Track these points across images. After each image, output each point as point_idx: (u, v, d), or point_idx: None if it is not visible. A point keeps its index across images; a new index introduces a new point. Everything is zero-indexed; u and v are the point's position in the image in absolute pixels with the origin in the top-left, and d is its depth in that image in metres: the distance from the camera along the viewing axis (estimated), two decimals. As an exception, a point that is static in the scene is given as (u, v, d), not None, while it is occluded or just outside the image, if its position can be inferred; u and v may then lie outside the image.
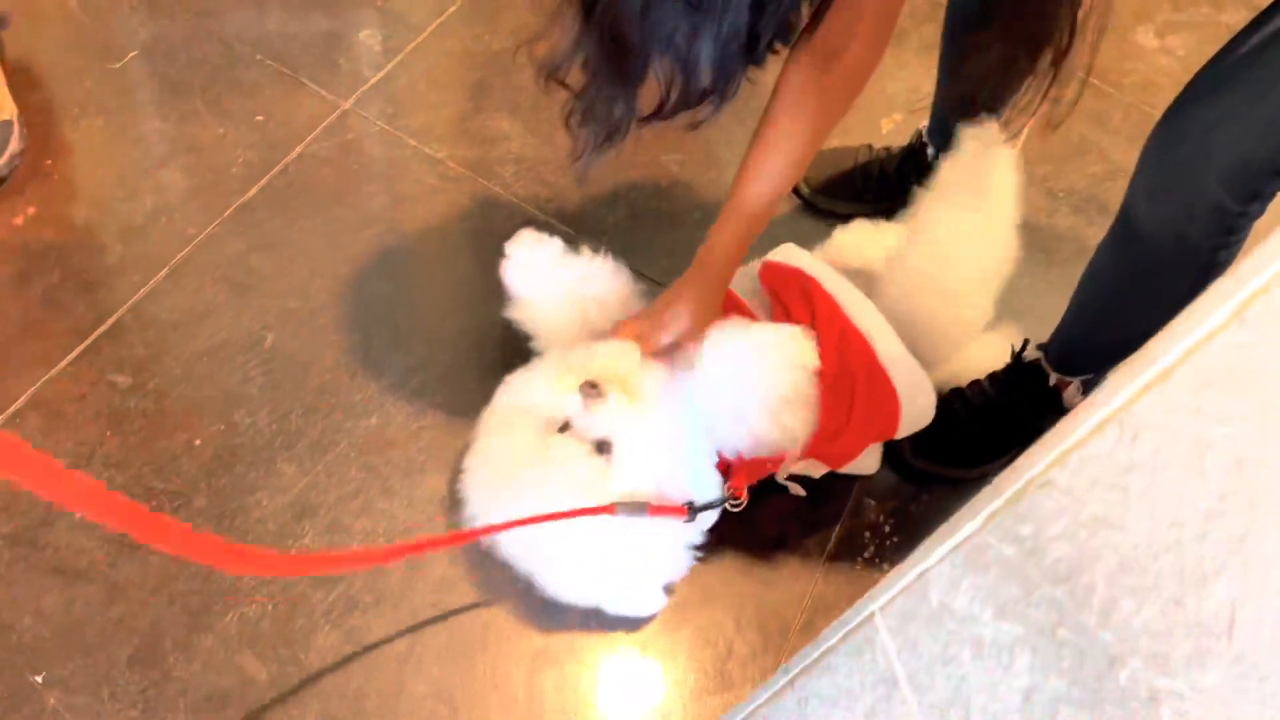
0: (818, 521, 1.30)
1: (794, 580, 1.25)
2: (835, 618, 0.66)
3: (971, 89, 1.29)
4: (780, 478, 1.24)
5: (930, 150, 1.49)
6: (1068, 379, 1.26)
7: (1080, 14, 1.05)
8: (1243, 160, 0.90)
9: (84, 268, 1.40)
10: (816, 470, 1.26)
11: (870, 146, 1.58)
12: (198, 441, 1.28)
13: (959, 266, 1.24)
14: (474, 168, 1.58)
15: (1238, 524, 0.38)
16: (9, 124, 1.47)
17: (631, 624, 1.20)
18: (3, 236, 1.42)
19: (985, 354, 1.37)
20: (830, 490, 1.30)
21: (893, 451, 1.33)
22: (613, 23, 0.85)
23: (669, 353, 1.16)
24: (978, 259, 1.25)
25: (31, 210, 1.45)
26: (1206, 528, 0.39)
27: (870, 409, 1.19)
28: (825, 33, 0.97)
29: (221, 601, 1.17)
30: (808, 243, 1.33)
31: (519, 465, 1.09)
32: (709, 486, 1.13)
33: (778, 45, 0.94)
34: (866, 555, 1.28)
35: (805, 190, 1.58)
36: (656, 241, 1.52)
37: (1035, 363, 1.29)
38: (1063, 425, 0.44)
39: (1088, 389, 1.26)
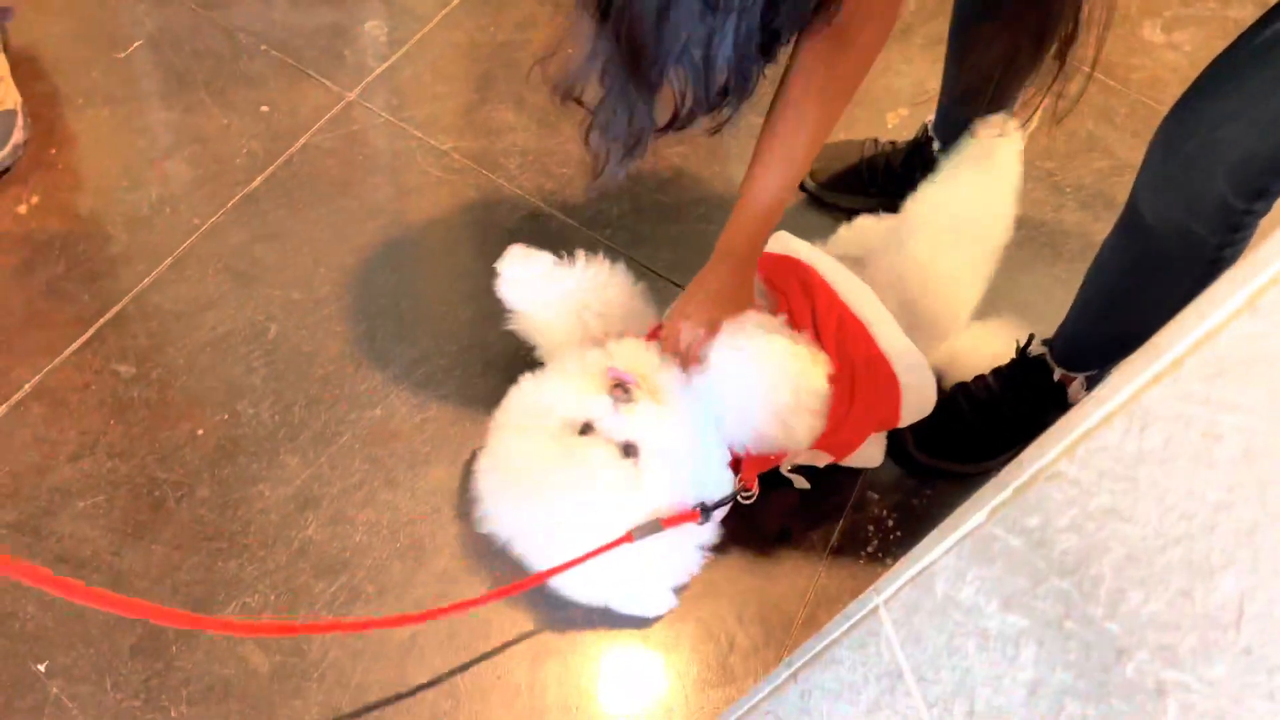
0: (820, 515, 1.30)
1: (796, 574, 1.25)
2: (838, 611, 0.66)
3: (976, 81, 1.29)
4: (784, 469, 1.24)
5: (935, 144, 1.48)
6: (1072, 375, 1.26)
7: (1085, 8, 1.05)
8: (1249, 157, 0.89)
9: (88, 257, 1.40)
10: (820, 459, 1.25)
11: (876, 140, 1.58)
12: (201, 432, 1.28)
13: (953, 253, 1.24)
14: (479, 160, 1.57)
15: (1247, 516, 0.38)
16: (13, 113, 1.47)
17: (637, 620, 1.20)
18: (7, 226, 1.42)
19: (988, 348, 1.37)
20: (833, 484, 1.30)
21: (896, 446, 1.33)
22: (629, 27, 0.83)
23: (698, 349, 1.15)
24: (972, 246, 1.24)
25: (36, 200, 1.45)
26: (1215, 519, 0.39)
27: (871, 398, 1.19)
28: (838, 17, 0.97)
29: (224, 592, 1.17)
30: (812, 237, 1.32)
31: (541, 467, 1.08)
32: (722, 484, 1.13)
33: (789, 36, 0.93)
34: (869, 550, 1.28)
35: (810, 184, 1.57)
36: (660, 234, 1.52)
37: (1040, 358, 1.28)
38: (1071, 416, 0.44)
39: (1092, 385, 1.26)
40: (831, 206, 1.57)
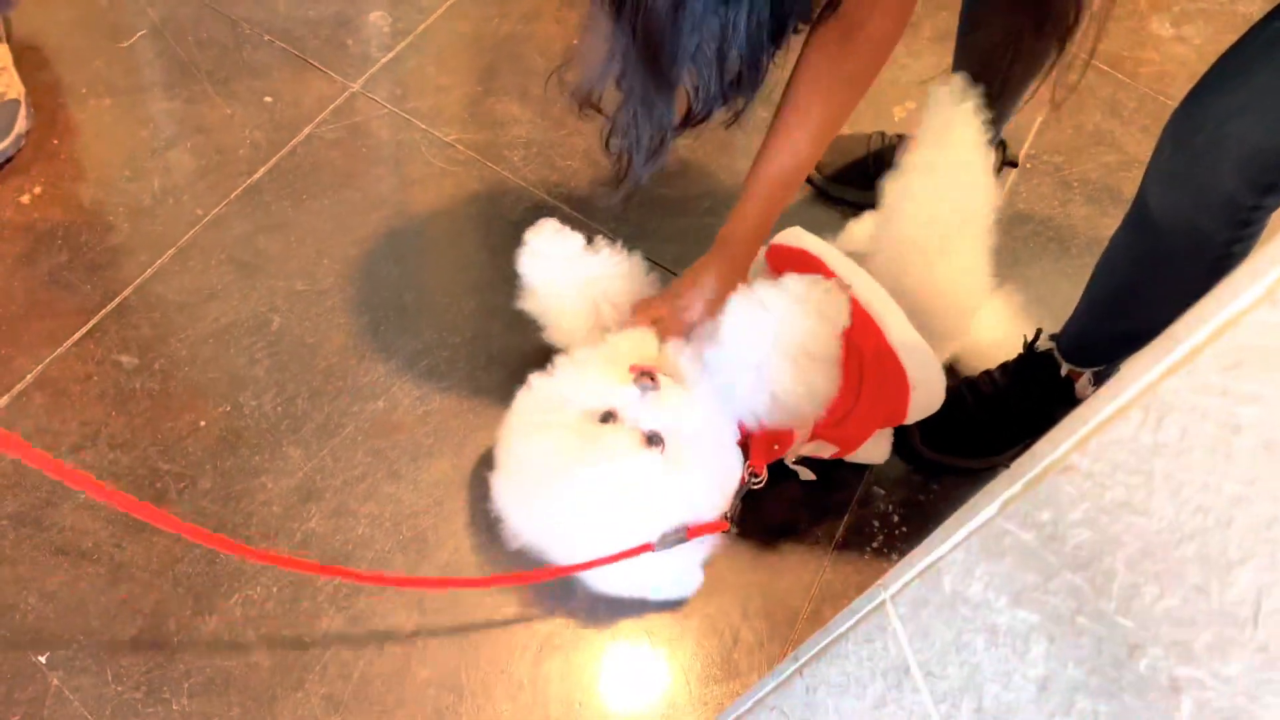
0: (826, 510, 1.29)
1: (801, 569, 1.25)
2: (843, 607, 0.65)
3: (978, 63, 1.28)
4: (789, 461, 1.23)
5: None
6: (1080, 370, 1.25)
7: None
8: (1258, 151, 0.88)
9: (91, 247, 1.40)
10: (825, 450, 1.25)
11: (883, 134, 1.57)
12: (203, 423, 1.27)
13: (940, 224, 1.22)
14: (483, 151, 1.57)
15: (1265, 510, 0.37)
16: (16, 103, 1.46)
17: (639, 611, 1.20)
18: (10, 216, 1.41)
19: (994, 342, 1.36)
20: (839, 480, 1.29)
21: (902, 441, 1.33)
22: (645, 22, 0.84)
23: (691, 334, 1.15)
24: (956, 212, 1.23)
25: (38, 190, 1.44)
26: (1232, 513, 0.38)
27: (879, 392, 1.18)
28: (847, 6, 0.96)
29: (226, 584, 1.16)
30: (819, 231, 1.31)
31: (565, 459, 1.06)
32: (734, 466, 1.13)
33: (799, 25, 0.93)
34: (875, 545, 1.27)
35: (817, 178, 1.57)
36: (666, 227, 1.51)
37: (1047, 353, 1.28)
38: (1084, 408, 0.43)
39: (1099, 380, 1.25)
40: (837, 200, 1.56)
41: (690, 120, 0.95)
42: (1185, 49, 1.83)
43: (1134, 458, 0.41)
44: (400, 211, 1.49)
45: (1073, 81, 1.11)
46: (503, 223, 1.50)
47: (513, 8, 1.76)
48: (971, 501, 0.51)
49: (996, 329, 1.38)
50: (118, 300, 1.35)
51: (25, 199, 1.43)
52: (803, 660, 0.70)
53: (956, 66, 1.39)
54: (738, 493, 1.13)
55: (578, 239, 1.20)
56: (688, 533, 1.09)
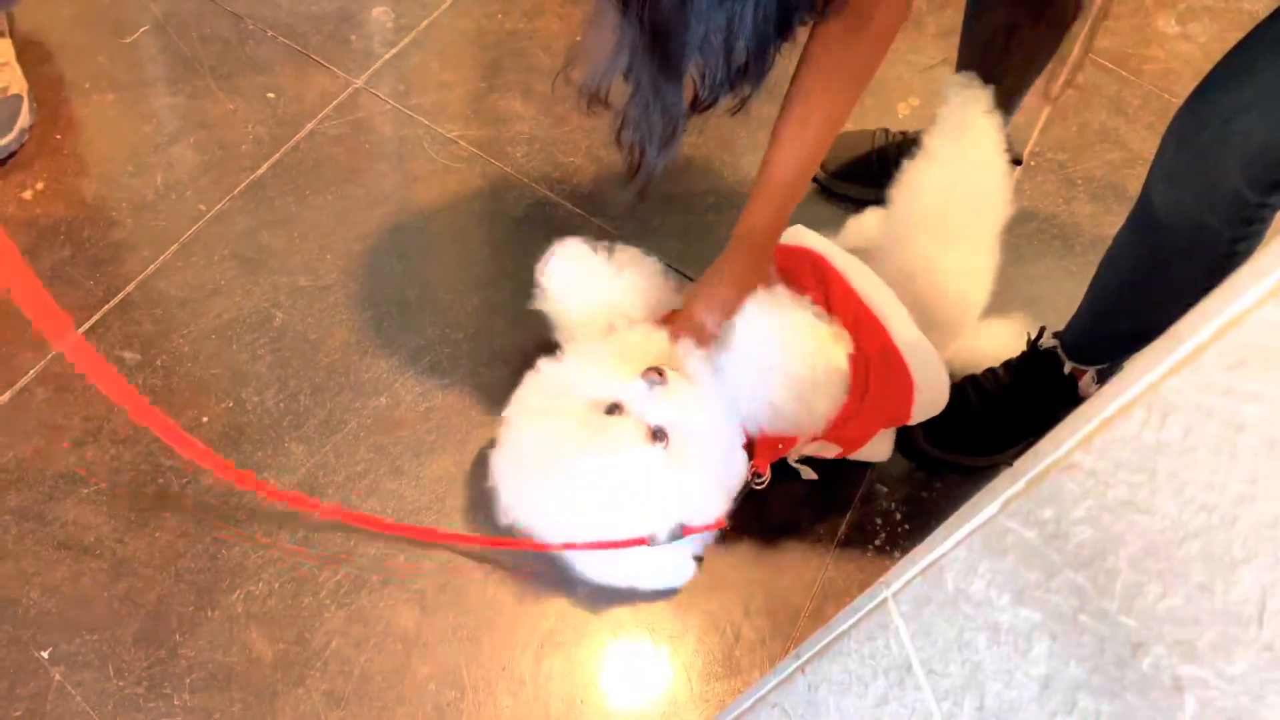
0: (828, 508, 1.29)
1: (804, 566, 1.24)
2: (845, 604, 0.65)
3: (978, 54, 1.28)
4: (792, 460, 1.23)
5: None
6: (1083, 368, 1.25)
7: None
8: (1263, 149, 0.88)
9: (93, 243, 1.40)
10: (829, 451, 1.24)
11: (886, 131, 1.57)
12: (205, 419, 1.27)
13: (949, 221, 1.22)
14: (485, 147, 1.57)
15: (1269, 509, 0.37)
16: (19, 98, 1.46)
17: (641, 604, 1.19)
18: (12, 211, 1.41)
19: (998, 340, 1.36)
20: (841, 477, 1.29)
21: (905, 438, 1.32)
22: (652, 15, 0.85)
23: (716, 337, 1.15)
24: (974, 234, 1.23)
25: (41, 185, 1.44)
26: (1236, 512, 0.38)
27: (884, 393, 1.18)
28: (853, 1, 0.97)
29: (228, 579, 1.16)
30: (821, 228, 1.31)
31: (569, 447, 1.06)
32: (739, 465, 1.13)
33: (806, 17, 0.94)
34: (877, 542, 1.27)
35: (820, 174, 1.56)
36: (669, 225, 1.51)
37: (1051, 351, 1.27)
38: (1088, 406, 0.43)
39: (1103, 378, 1.25)
40: (841, 197, 1.56)
41: (697, 106, 0.95)
42: (1190, 46, 1.83)
43: (1137, 456, 0.40)
44: (403, 208, 1.49)
45: (1070, 75, 1.11)
46: (505, 219, 1.49)
47: (516, 4, 1.75)
48: (974, 499, 0.51)
49: (1000, 327, 1.38)
50: (120, 296, 1.35)
51: (28, 194, 1.43)
52: (804, 658, 0.70)
53: (959, 58, 1.39)
54: (740, 493, 1.13)
55: (603, 262, 1.19)
56: (684, 530, 1.08)
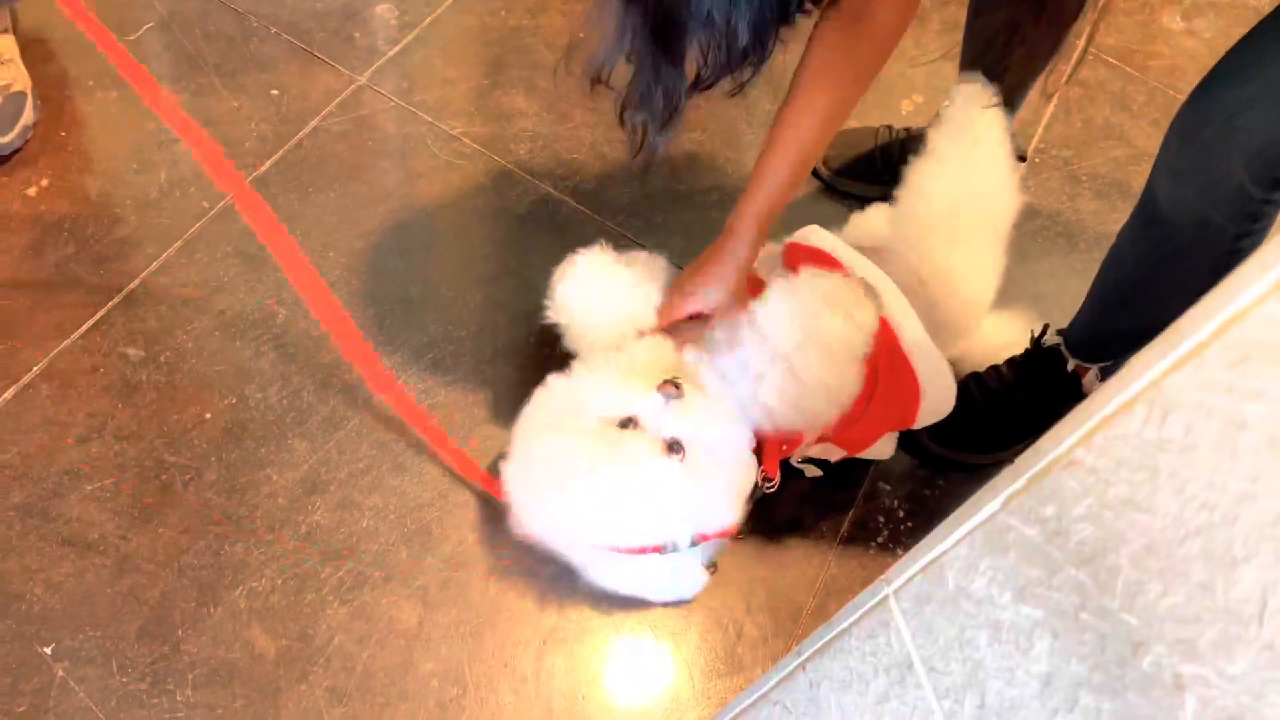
0: (831, 505, 1.29)
1: (806, 564, 1.24)
2: (847, 602, 0.65)
3: (981, 51, 1.28)
4: (795, 460, 1.23)
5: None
6: (1087, 365, 1.25)
7: None
8: (1268, 144, 0.88)
9: (97, 240, 1.40)
10: (833, 454, 1.24)
11: (890, 128, 1.56)
12: (209, 415, 1.27)
13: (959, 223, 1.22)
14: (489, 145, 1.56)
15: (1271, 507, 0.36)
16: (23, 95, 1.46)
17: (644, 605, 1.20)
18: (17, 208, 1.41)
19: (1002, 337, 1.35)
20: (844, 474, 1.29)
21: (908, 435, 1.32)
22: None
23: (695, 326, 1.14)
24: (982, 235, 1.23)
25: (45, 182, 1.44)
26: (1238, 510, 0.37)
27: (890, 396, 1.17)
28: None
29: (231, 575, 1.17)
30: (826, 225, 1.31)
31: (584, 462, 1.04)
32: (749, 470, 1.12)
33: (808, 4, 0.94)
34: (880, 540, 1.27)
35: (823, 171, 1.56)
36: (672, 221, 1.51)
37: (1054, 348, 1.27)
38: (1089, 403, 0.43)
39: (1106, 376, 1.25)
40: (844, 194, 1.56)
41: (698, 85, 0.96)
42: (1195, 43, 1.82)
43: (1138, 454, 0.40)
44: (406, 205, 1.49)
45: (1069, 71, 1.10)
46: (509, 216, 1.49)
47: (519, 1, 1.75)
48: (975, 496, 0.51)
49: (1003, 324, 1.37)
50: (124, 292, 1.35)
51: (32, 191, 1.43)
52: (806, 655, 0.70)
53: (962, 55, 1.38)
54: (750, 498, 1.12)
55: (620, 271, 1.18)
56: (698, 538, 1.08)
